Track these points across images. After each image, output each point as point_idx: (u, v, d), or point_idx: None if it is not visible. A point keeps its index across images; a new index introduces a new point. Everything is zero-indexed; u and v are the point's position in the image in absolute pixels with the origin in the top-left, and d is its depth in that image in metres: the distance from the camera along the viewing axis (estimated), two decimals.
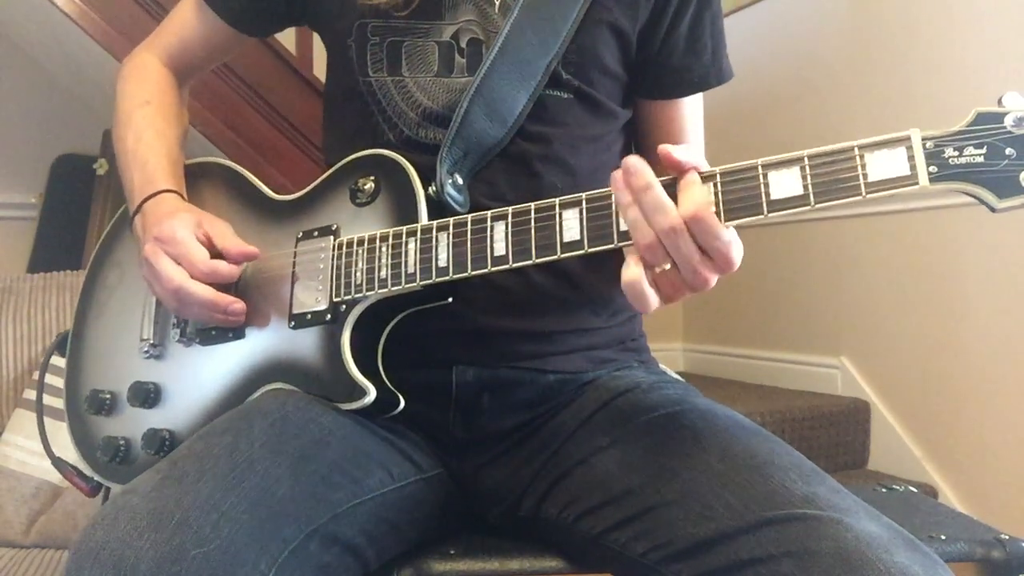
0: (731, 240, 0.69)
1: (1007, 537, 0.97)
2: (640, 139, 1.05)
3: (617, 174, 0.71)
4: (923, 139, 0.65)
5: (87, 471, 0.98)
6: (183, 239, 0.87)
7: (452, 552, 0.88)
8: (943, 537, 0.96)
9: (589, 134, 0.96)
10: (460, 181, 0.88)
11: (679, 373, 2.44)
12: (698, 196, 0.69)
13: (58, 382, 1.06)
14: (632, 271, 0.70)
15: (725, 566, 0.68)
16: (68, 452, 1.01)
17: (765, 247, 2.78)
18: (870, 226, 2.40)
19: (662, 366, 1.04)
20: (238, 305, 0.88)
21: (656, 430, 0.83)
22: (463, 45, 0.92)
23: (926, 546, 0.68)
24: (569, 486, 0.85)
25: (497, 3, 0.92)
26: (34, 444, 1.61)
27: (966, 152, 0.65)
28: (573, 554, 0.87)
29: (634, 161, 0.70)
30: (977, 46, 2.07)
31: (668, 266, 0.70)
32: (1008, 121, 0.64)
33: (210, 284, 0.87)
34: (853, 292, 2.47)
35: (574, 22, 0.90)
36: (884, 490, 1.19)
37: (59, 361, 1.08)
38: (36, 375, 1.74)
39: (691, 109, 1.03)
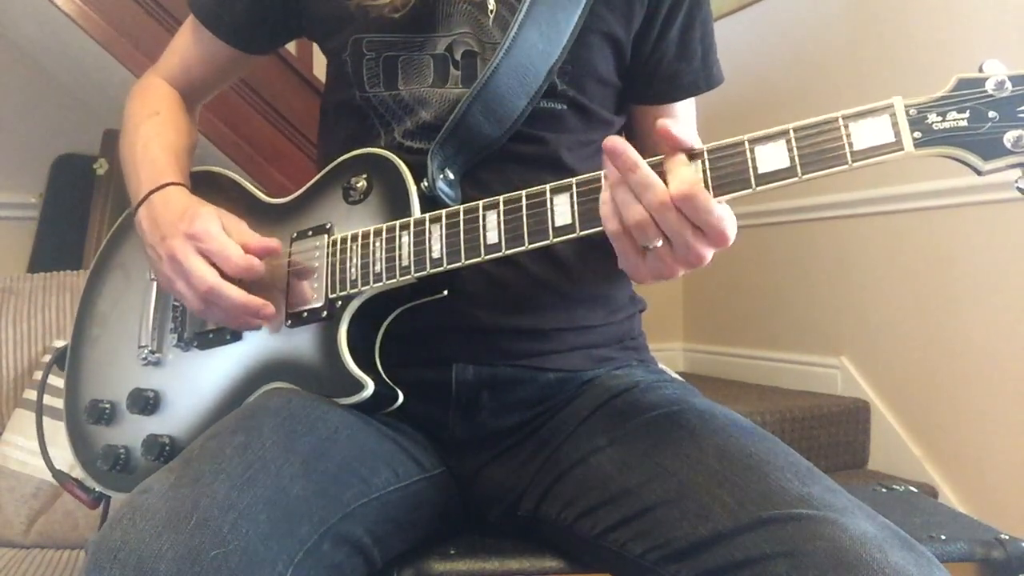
0: (724, 215, 0.70)
1: (1007, 537, 0.97)
2: (634, 143, 1.06)
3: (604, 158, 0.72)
4: (906, 106, 0.66)
5: (88, 482, 0.98)
6: (217, 235, 0.86)
7: (452, 552, 0.88)
8: (943, 537, 0.96)
9: (584, 139, 0.96)
10: (452, 176, 0.89)
11: (679, 373, 2.44)
12: (687, 175, 0.69)
13: (58, 382, 1.06)
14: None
15: (721, 566, 0.68)
16: (68, 453, 1.01)
17: (765, 247, 2.78)
18: (870, 226, 2.39)
19: (661, 365, 1.04)
20: (270, 309, 0.87)
21: (654, 430, 0.83)
22: (457, 57, 0.92)
23: (924, 546, 0.68)
24: (568, 486, 0.85)
25: (492, 15, 0.92)
26: (34, 444, 1.59)
27: (949, 117, 0.65)
28: (573, 554, 0.87)
29: (617, 142, 0.71)
30: (977, 48, 2.06)
31: (660, 243, 0.71)
32: (989, 85, 0.65)
33: (235, 283, 0.86)
34: (853, 292, 2.47)
35: (574, 31, 0.90)
36: (884, 490, 1.19)
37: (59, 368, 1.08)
38: (36, 375, 1.74)
39: (683, 113, 1.04)
